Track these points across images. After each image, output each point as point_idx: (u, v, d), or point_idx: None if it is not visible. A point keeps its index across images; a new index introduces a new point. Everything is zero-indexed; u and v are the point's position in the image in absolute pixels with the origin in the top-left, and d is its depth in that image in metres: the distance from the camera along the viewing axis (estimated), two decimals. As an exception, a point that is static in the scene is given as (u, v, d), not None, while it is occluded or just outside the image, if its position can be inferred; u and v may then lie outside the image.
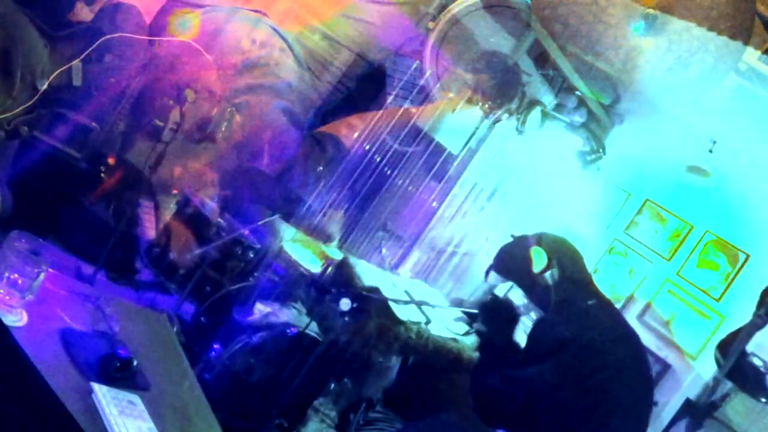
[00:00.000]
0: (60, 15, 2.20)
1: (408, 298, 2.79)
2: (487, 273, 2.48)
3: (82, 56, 2.28)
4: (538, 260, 2.27)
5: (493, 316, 2.34)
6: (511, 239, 2.49)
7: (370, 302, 2.60)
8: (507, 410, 2.08)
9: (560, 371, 2.02)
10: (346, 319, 2.71)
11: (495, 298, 2.40)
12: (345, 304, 2.54)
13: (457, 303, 2.57)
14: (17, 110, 2.20)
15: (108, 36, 2.33)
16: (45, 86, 2.21)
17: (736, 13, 2.37)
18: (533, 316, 2.36)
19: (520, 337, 2.34)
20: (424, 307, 2.81)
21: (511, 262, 2.40)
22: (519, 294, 2.33)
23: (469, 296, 3.38)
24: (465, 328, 2.45)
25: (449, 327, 2.68)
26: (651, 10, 2.78)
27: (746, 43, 2.35)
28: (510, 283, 2.46)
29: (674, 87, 3.77)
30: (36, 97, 2.22)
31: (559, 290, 2.23)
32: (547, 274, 2.25)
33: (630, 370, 2.13)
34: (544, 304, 2.27)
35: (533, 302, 2.32)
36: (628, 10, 3.03)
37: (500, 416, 2.14)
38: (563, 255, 2.31)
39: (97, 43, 2.28)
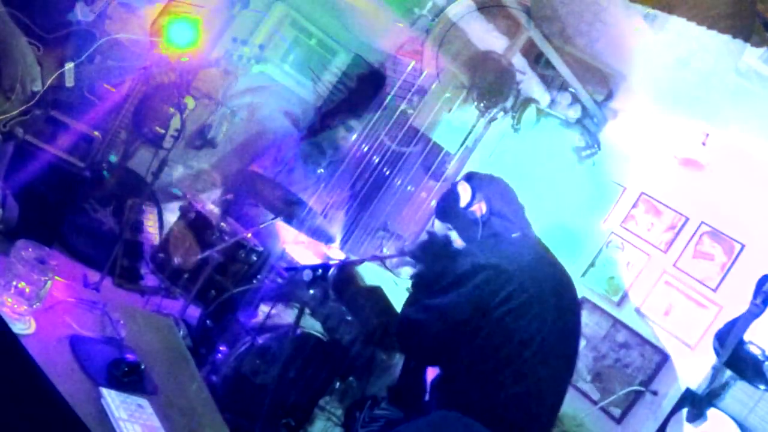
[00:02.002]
0: (59, 16, 2.20)
1: (365, 260, 2.80)
2: (432, 223, 2.47)
3: (78, 60, 2.27)
4: (464, 195, 2.26)
5: (429, 251, 2.31)
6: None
7: (328, 269, 2.59)
8: (421, 339, 2.06)
9: (471, 298, 1.99)
10: (311, 291, 2.70)
11: (431, 233, 2.38)
12: (307, 275, 2.55)
13: (401, 249, 2.55)
14: (13, 112, 2.19)
15: (104, 39, 2.32)
16: (40, 88, 2.21)
17: (736, 13, 2.36)
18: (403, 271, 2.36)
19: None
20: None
21: (444, 203, 2.39)
22: (453, 233, 2.32)
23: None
24: (411, 271, 2.44)
25: (399, 273, 2.68)
26: (651, 10, 2.78)
27: (746, 42, 2.35)
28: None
29: (674, 86, 3.78)
30: (31, 99, 2.21)
31: (487, 226, 2.22)
32: (474, 208, 2.25)
33: (546, 299, 2.07)
34: (471, 239, 2.26)
35: (462, 238, 2.29)
36: (629, 10, 3.02)
37: (415, 346, 2.13)
38: (490, 190, 2.30)
39: (94, 46, 2.28)
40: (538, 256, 2.22)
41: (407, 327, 2.13)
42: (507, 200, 2.33)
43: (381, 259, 2.78)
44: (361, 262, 2.76)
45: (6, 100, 2.16)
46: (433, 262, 2.28)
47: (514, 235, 2.23)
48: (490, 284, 2.01)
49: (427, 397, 2.25)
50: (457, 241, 2.32)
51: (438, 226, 2.41)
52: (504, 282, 2.01)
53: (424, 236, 2.39)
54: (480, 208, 2.25)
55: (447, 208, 2.36)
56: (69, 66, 2.24)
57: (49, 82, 2.22)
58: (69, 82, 2.26)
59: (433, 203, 4.09)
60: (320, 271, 2.45)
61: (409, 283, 3.04)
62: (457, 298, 2.01)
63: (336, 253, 3.84)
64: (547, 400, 2.09)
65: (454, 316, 2.01)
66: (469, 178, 2.35)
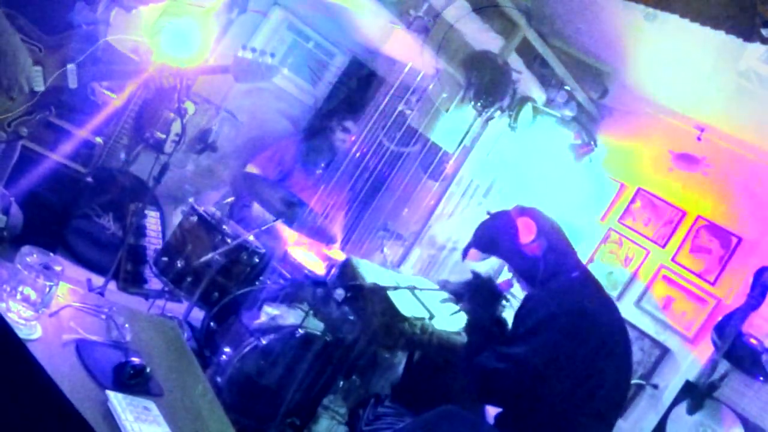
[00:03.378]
0: (60, 17, 2.21)
1: (401, 287, 2.79)
2: (466, 252, 2.42)
3: (80, 61, 2.27)
4: (526, 230, 2.22)
5: (477, 293, 2.28)
6: (488, 216, 2.44)
7: (363, 290, 2.59)
8: (502, 387, 2.05)
9: (551, 344, 1.99)
10: (345, 308, 2.70)
11: (477, 275, 2.33)
12: (339, 294, 2.54)
13: (443, 284, 2.51)
14: (17, 112, 2.20)
15: (103, 39, 2.33)
16: (42, 88, 2.21)
17: (736, 12, 2.36)
18: (517, 290, 2.34)
19: (506, 312, 2.30)
20: (425, 302, 2.81)
21: (494, 236, 2.33)
22: (503, 269, 2.30)
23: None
24: (454, 308, 2.41)
25: (440, 310, 2.65)
26: (650, 9, 2.77)
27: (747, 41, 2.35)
28: (490, 261, 2.41)
29: (672, 85, 3.78)
30: (34, 99, 2.22)
31: (547, 261, 2.19)
32: (536, 245, 2.20)
33: (612, 339, 2.11)
34: (530, 276, 2.23)
35: (519, 275, 2.27)
36: (627, 9, 3.02)
37: (496, 394, 2.10)
38: (548, 225, 2.27)
39: (93, 46, 2.28)
40: (601, 296, 2.23)
41: (486, 376, 2.08)
42: (562, 236, 2.30)
43: (420, 290, 2.76)
44: (396, 288, 2.74)
45: (9, 99, 2.17)
46: (483, 304, 2.25)
47: (574, 274, 2.21)
48: (568, 332, 2.01)
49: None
50: (506, 278, 2.30)
51: (475, 256, 2.37)
52: (580, 328, 2.02)
53: (469, 276, 2.34)
54: (540, 245, 2.21)
55: (497, 241, 2.31)
56: (71, 67, 2.24)
57: (50, 81, 2.22)
58: (72, 83, 2.26)
59: (445, 209, 4.10)
60: (350, 293, 2.45)
61: (409, 283, 3.05)
62: (536, 348, 2.00)
63: (337, 254, 3.84)
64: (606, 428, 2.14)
65: (536, 365, 1.99)
66: (525, 212, 2.29)
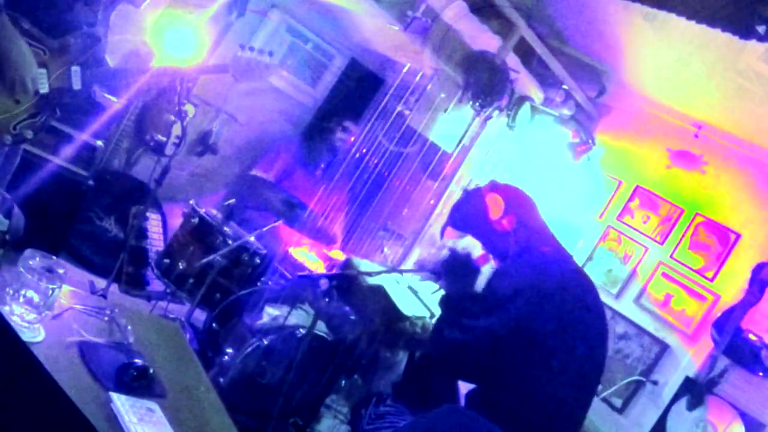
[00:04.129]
0: (61, 18, 2.21)
1: (382, 272, 2.79)
2: (443, 231, 2.40)
3: (83, 63, 2.28)
4: (496, 206, 2.21)
5: (452, 270, 2.26)
6: (463, 194, 2.43)
7: (346, 279, 2.58)
8: (464, 359, 2.04)
9: (515, 317, 1.97)
10: (327, 300, 2.69)
11: (453, 252, 2.30)
12: (323, 284, 2.54)
13: (421, 264, 2.50)
14: (22, 114, 2.20)
15: (103, 41, 2.33)
16: (46, 90, 2.21)
17: (732, 10, 2.36)
18: (492, 265, 2.31)
19: (480, 287, 2.28)
20: (426, 301, 2.81)
21: (466, 213, 2.32)
22: (477, 245, 2.27)
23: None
24: (435, 287, 2.39)
25: (422, 289, 2.64)
26: (650, 9, 2.76)
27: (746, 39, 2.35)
28: (467, 238, 2.40)
29: (671, 83, 3.78)
30: (38, 101, 2.22)
31: (518, 237, 2.17)
32: (505, 221, 2.19)
33: (583, 314, 2.07)
34: (501, 252, 2.20)
35: (490, 251, 2.24)
36: (627, 9, 3.01)
37: (458, 366, 2.10)
38: (518, 201, 2.25)
39: (94, 47, 2.28)
40: (572, 270, 2.19)
41: (448, 347, 2.08)
42: (533, 212, 2.28)
43: (400, 272, 2.76)
44: (379, 273, 2.73)
45: (14, 102, 2.17)
46: (460, 280, 2.23)
47: (545, 249, 2.18)
48: (533, 306, 1.98)
49: (462, 404, 2.21)
50: (481, 253, 2.26)
51: (451, 234, 2.36)
52: (546, 302, 1.99)
53: (445, 253, 2.31)
54: (511, 222, 2.19)
55: (469, 218, 2.30)
56: (75, 69, 2.24)
57: (52, 81, 2.22)
58: (76, 84, 2.26)
59: (444, 209, 4.09)
60: (335, 281, 2.45)
61: (410, 282, 3.05)
62: (500, 320, 1.98)
63: (338, 254, 3.84)
64: (580, 409, 2.12)
65: (498, 337, 1.97)
66: (495, 188, 2.28)
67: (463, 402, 2.20)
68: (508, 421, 1.96)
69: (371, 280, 2.90)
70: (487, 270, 2.25)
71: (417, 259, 2.67)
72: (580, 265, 4.14)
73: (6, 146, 2.26)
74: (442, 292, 2.35)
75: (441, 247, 2.33)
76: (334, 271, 3.34)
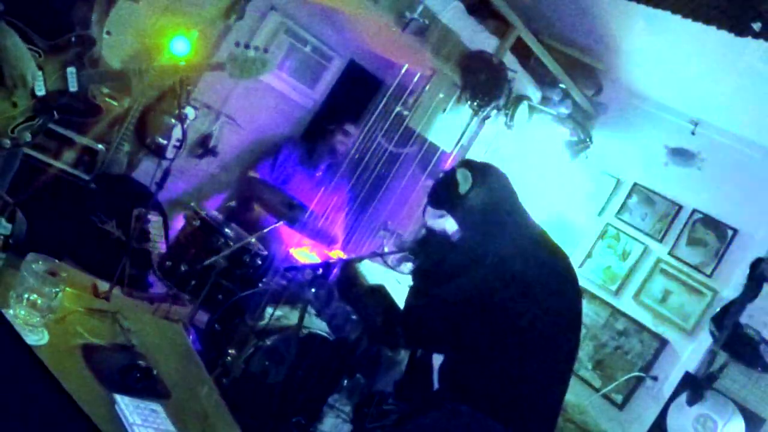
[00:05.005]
0: (56, 20, 2.20)
1: (365, 257, 2.79)
2: (424, 211, 2.41)
3: (78, 62, 2.27)
4: (464, 181, 2.21)
5: (428, 247, 2.27)
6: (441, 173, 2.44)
7: (331, 267, 2.57)
8: (425, 327, 2.05)
9: (475, 285, 1.97)
10: (313, 290, 2.68)
11: (428, 229, 2.32)
12: (307, 273, 2.54)
13: (400, 244, 2.51)
14: (19, 117, 2.19)
15: (102, 41, 2.32)
16: (43, 92, 2.20)
17: (727, 8, 2.36)
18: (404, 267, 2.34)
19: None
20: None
21: (439, 190, 2.33)
22: (452, 221, 2.28)
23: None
24: (411, 266, 2.40)
25: (400, 269, 2.64)
26: (650, 8, 2.76)
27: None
28: (444, 216, 2.40)
29: (669, 82, 3.78)
30: (36, 104, 2.21)
31: (486, 209, 2.18)
32: (473, 194, 2.19)
33: (550, 282, 2.06)
34: (470, 225, 2.22)
35: (461, 225, 2.25)
36: (627, 7, 3.01)
37: (421, 334, 2.11)
38: (487, 176, 2.26)
39: (92, 49, 2.28)
40: (538, 243, 2.18)
41: (412, 315, 2.12)
42: (504, 187, 2.29)
43: (381, 256, 2.76)
44: (361, 259, 2.74)
45: (12, 106, 2.16)
46: (432, 254, 2.25)
47: (510, 219, 2.19)
48: (493, 273, 1.98)
49: (435, 384, 2.22)
50: (454, 229, 2.29)
51: (431, 214, 2.37)
52: (506, 270, 1.99)
53: (422, 231, 2.37)
54: (479, 195, 2.21)
55: (442, 194, 2.31)
56: (71, 70, 2.24)
57: (49, 83, 2.21)
58: (72, 86, 2.25)
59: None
60: (320, 270, 2.45)
61: (410, 282, 3.05)
62: (460, 287, 2.00)
63: (338, 254, 3.84)
64: (552, 386, 2.08)
65: (458, 304, 1.99)
66: (466, 164, 2.30)
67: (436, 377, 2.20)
68: (478, 393, 1.96)
69: (372, 280, 2.90)
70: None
71: (396, 241, 2.67)
72: (579, 262, 4.15)
73: (5, 149, 2.26)
74: None
75: (420, 228, 2.35)
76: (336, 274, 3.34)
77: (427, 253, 2.28)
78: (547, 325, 2.01)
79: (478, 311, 1.97)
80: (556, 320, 2.05)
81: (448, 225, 2.28)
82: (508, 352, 1.99)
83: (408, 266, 2.44)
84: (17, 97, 2.15)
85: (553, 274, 2.11)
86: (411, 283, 2.29)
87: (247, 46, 2.46)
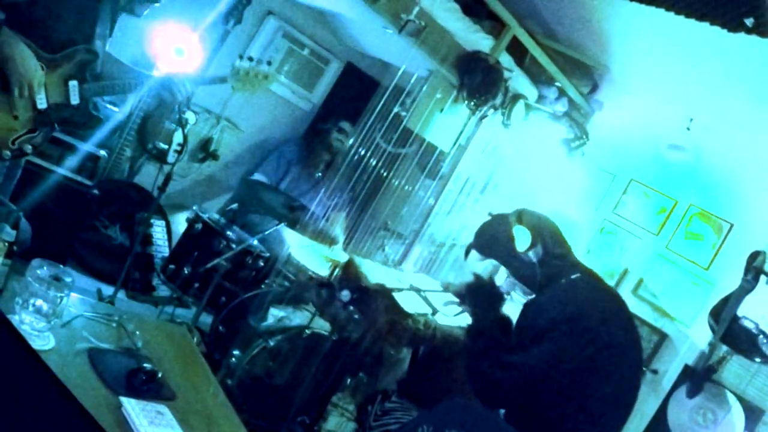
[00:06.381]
0: (54, 33, 2.19)
1: (404, 288, 2.79)
2: (467, 252, 2.39)
3: (80, 76, 2.27)
4: (522, 239, 2.18)
5: (478, 295, 2.26)
6: (489, 217, 2.40)
7: (368, 292, 2.59)
8: (504, 395, 2.03)
9: (554, 351, 1.96)
10: (350, 308, 2.70)
11: (479, 278, 2.30)
12: (345, 295, 2.54)
13: (446, 287, 2.49)
14: (20, 129, 2.19)
15: (103, 54, 2.32)
16: (45, 106, 2.20)
17: (719, 4, 2.36)
18: (518, 292, 2.31)
19: (507, 314, 2.28)
20: (428, 297, 2.80)
21: (492, 240, 2.30)
22: (502, 272, 2.28)
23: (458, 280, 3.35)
24: (457, 309, 2.38)
25: (444, 311, 2.64)
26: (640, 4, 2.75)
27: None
28: (490, 262, 2.38)
29: (665, 78, 3.77)
30: (37, 117, 2.21)
31: (544, 266, 2.16)
32: (531, 252, 2.17)
33: (620, 338, 2.06)
34: (529, 282, 2.21)
35: (518, 280, 2.25)
36: (618, 6, 3.01)
37: (499, 401, 2.09)
38: (544, 231, 2.23)
39: (92, 61, 2.27)
40: (602, 296, 2.17)
41: (489, 384, 2.06)
42: (560, 239, 2.27)
43: (419, 291, 2.75)
44: (400, 290, 2.73)
45: (13, 119, 2.16)
46: (484, 305, 2.22)
47: (573, 277, 2.15)
48: (571, 338, 1.97)
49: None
50: (506, 280, 2.27)
51: (475, 257, 2.34)
52: (583, 333, 1.98)
53: (470, 278, 2.31)
54: (537, 252, 2.18)
55: (495, 245, 2.28)
56: (72, 83, 2.23)
57: (50, 97, 2.21)
58: (74, 99, 2.25)
59: (443, 207, 4.08)
60: (357, 294, 2.46)
61: (411, 281, 3.05)
62: (538, 357, 1.97)
63: (339, 255, 3.84)
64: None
65: (537, 374, 1.96)
66: (520, 219, 2.25)
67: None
68: None
69: (374, 280, 2.90)
70: (516, 297, 2.25)
71: (442, 282, 2.66)
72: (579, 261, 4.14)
73: (5, 161, 2.26)
74: (465, 315, 2.34)
75: (467, 272, 2.33)
76: (340, 275, 3.34)
77: (476, 302, 2.25)
78: (618, 378, 2.03)
79: (556, 377, 1.96)
80: (627, 370, 2.07)
81: (495, 272, 2.26)
82: (580, 405, 1.99)
83: (453, 309, 2.41)
84: (19, 109, 2.15)
85: (620, 328, 2.09)
86: (464, 334, 2.25)
87: (250, 59, 2.44)
